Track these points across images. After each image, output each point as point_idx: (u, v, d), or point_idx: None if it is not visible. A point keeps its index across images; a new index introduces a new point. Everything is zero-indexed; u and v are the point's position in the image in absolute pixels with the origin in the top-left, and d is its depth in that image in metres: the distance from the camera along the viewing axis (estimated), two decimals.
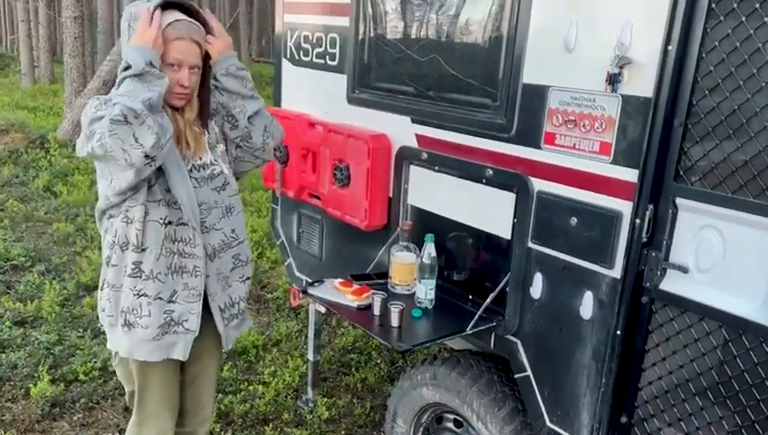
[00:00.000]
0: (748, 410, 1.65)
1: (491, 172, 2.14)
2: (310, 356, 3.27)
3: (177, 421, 2.19)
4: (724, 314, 1.65)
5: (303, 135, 2.83)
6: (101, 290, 2.02)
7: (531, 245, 2.05)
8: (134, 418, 2.12)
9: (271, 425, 3.12)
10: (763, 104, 1.55)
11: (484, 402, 2.31)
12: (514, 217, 2.10)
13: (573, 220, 1.91)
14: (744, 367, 1.64)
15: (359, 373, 3.65)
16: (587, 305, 1.92)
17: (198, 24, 1.92)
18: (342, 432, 3.15)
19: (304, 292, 2.33)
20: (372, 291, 2.24)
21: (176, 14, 1.87)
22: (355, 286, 2.28)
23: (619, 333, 1.85)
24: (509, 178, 2.09)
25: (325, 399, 3.36)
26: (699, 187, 1.69)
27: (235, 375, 3.50)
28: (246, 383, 3.43)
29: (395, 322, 2.07)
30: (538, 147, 1.99)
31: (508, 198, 2.11)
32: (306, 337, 3.80)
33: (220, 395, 3.29)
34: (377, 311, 2.15)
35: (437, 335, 2.10)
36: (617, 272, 1.84)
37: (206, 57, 1.97)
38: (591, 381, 1.95)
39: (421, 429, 2.66)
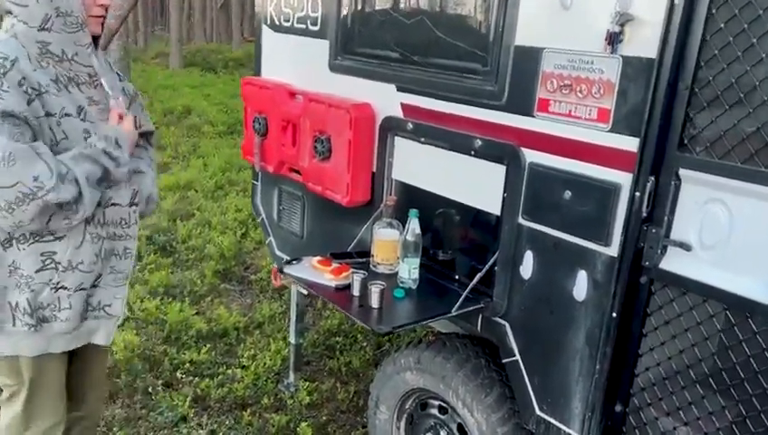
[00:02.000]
0: (753, 398, 1.52)
1: (480, 143, 1.99)
2: (292, 339, 3.13)
3: (76, 407, 2.04)
4: (729, 295, 1.52)
5: (283, 105, 2.67)
6: None
7: (521, 221, 1.91)
8: (18, 413, 1.86)
9: (249, 410, 2.99)
10: None
11: (470, 388, 2.18)
12: (504, 192, 1.95)
13: (567, 194, 1.77)
14: (750, 352, 1.51)
15: (343, 357, 3.52)
16: (581, 286, 1.79)
17: None
18: (324, 418, 3.02)
19: (280, 271, 2.19)
20: (352, 270, 2.10)
21: None
22: (334, 265, 2.13)
23: (614, 315, 1.72)
24: (499, 149, 1.94)
25: (307, 383, 3.23)
26: (705, 157, 1.55)
27: (213, 358, 3.36)
28: (225, 367, 3.29)
29: (375, 302, 1.93)
30: (530, 115, 1.84)
31: (498, 171, 1.96)
32: (290, 319, 3.67)
33: (196, 378, 3.16)
34: (356, 291, 2.01)
35: (420, 317, 1.96)
36: (613, 250, 1.70)
37: None
38: (584, 366, 1.82)
39: (405, 415, 2.53)
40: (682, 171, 1.58)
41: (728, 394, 1.57)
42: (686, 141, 1.58)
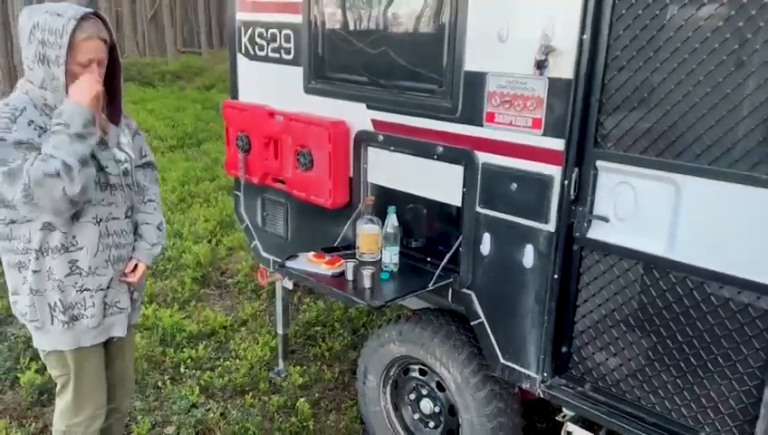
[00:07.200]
0: (661, 329, 2.05)
1: (441, 149, 2.46)
2: (279, 330, 3.55)
3: (108, 399, 2.38)
4: (638, 254, 2.04)
5: (264, 125, 3.06)
6: (18, 295, 2.14)
7: (479, 209, 2.39)
8: (69, 401, 2.26)
9: (250, 395, 3.37)
10: (659, 80, 1.93)
11: (445, 350, 2.65)
12: (464, 187, 2.43)
13: (513, 186, 2.26)
14: (656, 294, 2.04)
15: (325, 343, 3.94)
16: (528, 256, 2.28)
17: (100, 19, 2.03)
18: (316, 395, 3.44)
19: (282, 266, 2.60)
20: (343, 260, 2.53)
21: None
22: (328, 257, 2.57)
23: (556, 277, 2.22)
24: (457, 153, 2.41)
25: (296, 368, 3.63)
26: (614, 151, 2.06)
27: (209, 354, 3.73)
28: (222, 359, 3.67)
29: (367, 283, 2.37)
30: (480, 125, 2.32)
31: (457, 171, 2.43)
32: (271, 315, 4.06)
33: (198, 372, 3.52)
34: (350, 276, 2.45)
35: (405, 292, 2.42)
36: (551, 226, 2.19)
37: (112, 48, 2.10)
38: (536, 320, 2.31)
39: (390, 381, 2.99)
40: (598, 163, 2.09)
41: (643, 328, 2.09)
42: (599, 140, 2.09)
